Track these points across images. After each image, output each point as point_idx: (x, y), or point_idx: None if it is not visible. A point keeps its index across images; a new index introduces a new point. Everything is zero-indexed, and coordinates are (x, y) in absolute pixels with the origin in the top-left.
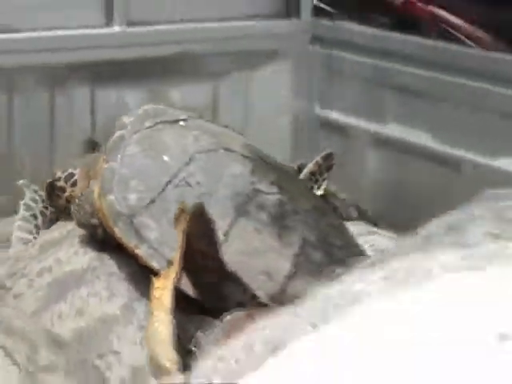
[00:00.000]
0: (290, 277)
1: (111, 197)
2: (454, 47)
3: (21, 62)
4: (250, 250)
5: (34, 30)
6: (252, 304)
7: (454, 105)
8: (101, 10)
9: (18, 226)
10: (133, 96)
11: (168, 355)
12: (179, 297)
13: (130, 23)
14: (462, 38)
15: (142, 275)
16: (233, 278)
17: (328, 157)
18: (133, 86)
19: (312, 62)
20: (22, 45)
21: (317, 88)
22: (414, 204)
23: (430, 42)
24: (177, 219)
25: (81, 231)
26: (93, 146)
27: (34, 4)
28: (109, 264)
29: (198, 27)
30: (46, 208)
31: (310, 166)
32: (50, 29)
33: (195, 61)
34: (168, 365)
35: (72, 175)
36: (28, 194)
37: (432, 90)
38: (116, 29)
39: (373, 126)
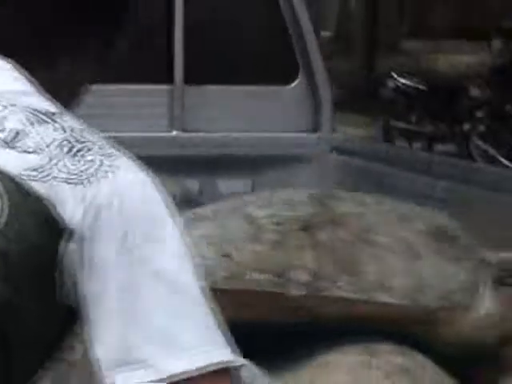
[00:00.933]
0: None
1: None
2: None
3: None
4: None
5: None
6: None
7: None
8: (165, 119)
9: None
10: (190, 185)
11: None
12: None
13: (186, 130)
14: None
15: None
16: None
17: None
18: (187, 177)
19: (330, 167)
20: None
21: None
22: None
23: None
24: None
25: None
26: None
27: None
28: None
29: (240, 136)
30: None
31: None
32: (124, 132)
33: (238, 160)
34: None
35: None
36: None
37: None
38: (175, 133)
39: None
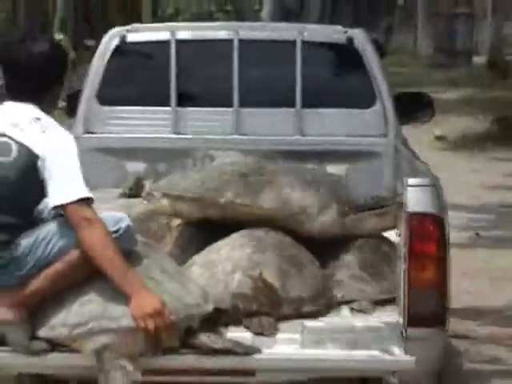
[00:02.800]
0: None
1: None
2: None
3: None
4: None
5: None
6: None
7: None
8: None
9: None
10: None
11: None
12: None
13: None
14: None
15: None
16: None
17: None
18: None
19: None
20: None
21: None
22: None
23: None
24: None
25: None
26: None
27: None
28: None
29: (338, 139)
30: None
31: None
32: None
33: (337, 154)
34: None
35: None
36: None
37: None
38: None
39: None
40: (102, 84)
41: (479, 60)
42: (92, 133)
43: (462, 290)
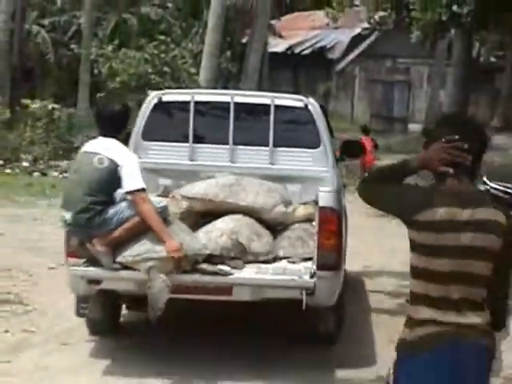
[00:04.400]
0: None
1: None
2: None
3: None
4: None
5: None
6: None
7: None
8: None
9: None
10: None
11: None
12: None
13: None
14: None
15: None
16: None
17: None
18: None
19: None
20: None
21: None
22: None
23: None
24: None
25: None
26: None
27: None
28: None
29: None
30: None
31: None
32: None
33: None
34: None
35: None
36: None
37: None
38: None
39: None
40: (144, 127)
41: (415, 127)
42: (139, 157)
43: (390, 359)
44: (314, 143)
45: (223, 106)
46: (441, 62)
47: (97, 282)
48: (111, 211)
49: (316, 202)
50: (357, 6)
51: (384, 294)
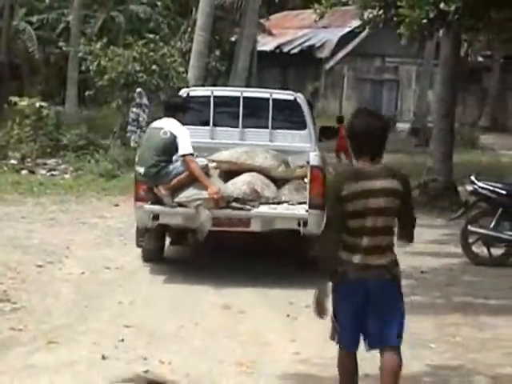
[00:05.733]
0: None
1: None
2: None
3: None
4: None
5: None
6: None
7: None
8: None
9: None
10: None
11: None
12: None
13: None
14: None
15: None
16: None
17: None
18: None
19: None
20: None
21: None
22: None
23: None
24: None
25: None
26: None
27: None
28: None
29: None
30: None
31: None
32: None
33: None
34: None
35: None
36: None
37: None
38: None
39: None
40: None
41: (403, 126)
42: None
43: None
44: (301, 126)
45: (234, 99)
46: (429, 61)
47: (157, 217)
48: (171, 167)
49: (308, 164)
50: (346, 4)
51: None
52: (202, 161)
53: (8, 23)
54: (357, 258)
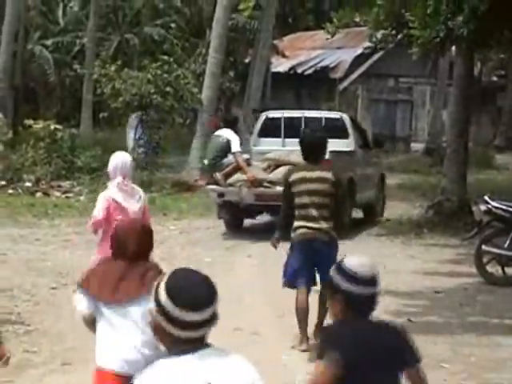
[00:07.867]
0: None
1: None
2: None
3: None
4: None
5: None
6: None
7: None
8: None
9: None
10: None
11: None
12: None
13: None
14: None
15: None
16: None
17: None
18: None
19: None
20: None
21: None
22: None
23: None
24: None
25: None
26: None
27: None
28: None
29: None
30: None
31: None
32: None
33: None
34: None
35: None
36: None
37: None
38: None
39: None
40: (259, 130)
41: (417, 146)
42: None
43: None
44: (345, 136)
45: (299, 119)
46: (443, 81)
47: (221, 194)
48: (225, 160)
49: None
50: (358, 24)
51: (386, 313)
52: (246, 156)
53: (23, 46)
54: (304, 224)
